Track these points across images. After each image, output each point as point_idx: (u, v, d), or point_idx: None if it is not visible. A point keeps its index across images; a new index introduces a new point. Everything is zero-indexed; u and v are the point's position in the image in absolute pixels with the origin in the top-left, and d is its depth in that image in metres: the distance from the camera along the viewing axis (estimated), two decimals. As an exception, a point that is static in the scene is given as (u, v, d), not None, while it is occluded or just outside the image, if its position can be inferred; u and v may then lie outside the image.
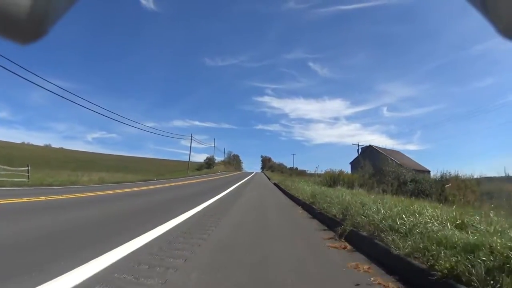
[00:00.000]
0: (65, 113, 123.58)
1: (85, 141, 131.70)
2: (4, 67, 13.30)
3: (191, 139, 35.08)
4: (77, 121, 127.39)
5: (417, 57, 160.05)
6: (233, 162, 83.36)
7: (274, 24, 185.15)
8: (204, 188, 13.13)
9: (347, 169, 53.27)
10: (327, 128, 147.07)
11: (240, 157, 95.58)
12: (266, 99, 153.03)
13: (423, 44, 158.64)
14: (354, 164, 46.20)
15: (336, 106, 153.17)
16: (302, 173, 72.04)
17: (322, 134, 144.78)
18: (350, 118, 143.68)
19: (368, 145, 43.62)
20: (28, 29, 0.27)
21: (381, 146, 47.19)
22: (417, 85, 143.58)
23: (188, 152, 37.26)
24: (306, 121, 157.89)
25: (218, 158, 71.49)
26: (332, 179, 15.83)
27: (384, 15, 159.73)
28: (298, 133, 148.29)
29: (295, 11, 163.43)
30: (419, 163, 45.88)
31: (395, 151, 48.82)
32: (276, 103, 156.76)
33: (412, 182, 14.05)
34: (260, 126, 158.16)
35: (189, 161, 35.69)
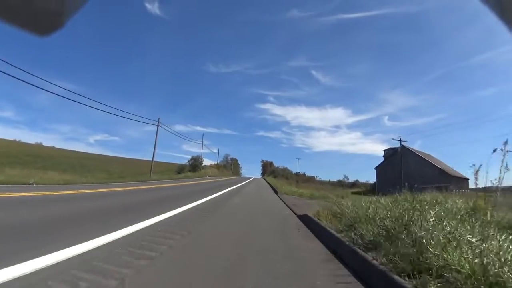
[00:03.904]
0: (71, 114, 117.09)
1: (87, 143, 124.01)
2: (5, 72, 12.70)
3: (158, 124, 25.67)
4: (80, 123, 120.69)
5: (419, 66, 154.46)
6: (230, 166, 73.68)
7: (277, 31, 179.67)
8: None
9: (370, 175, 42.79)
10: (328, 136, 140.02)
11: (238, 161, 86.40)
12: (268, 106, 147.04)
13: (425, 54, 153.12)
14: (381, 168, 36.87)
15: (337, 114, 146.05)
16: (310, 180, 62.31)
17: (323, 142, 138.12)
18: (351, 127, 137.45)
19: (399, 146, 33.95)
20: (45, 22, 0.27)
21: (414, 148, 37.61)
22: (418, 94, 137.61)
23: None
24: (307, 129, 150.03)
25: (211, 161, 61.86)
26: None
27: (387, 24, 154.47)
28: (299, 140, 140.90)
29: (298, 19, 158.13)
30: (454, 169, 35.83)
31: (428, 154, 39.22)
32: (277, 110, 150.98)
33: None
34: (261, 133, 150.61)
35: (152, 160, 25.96)
